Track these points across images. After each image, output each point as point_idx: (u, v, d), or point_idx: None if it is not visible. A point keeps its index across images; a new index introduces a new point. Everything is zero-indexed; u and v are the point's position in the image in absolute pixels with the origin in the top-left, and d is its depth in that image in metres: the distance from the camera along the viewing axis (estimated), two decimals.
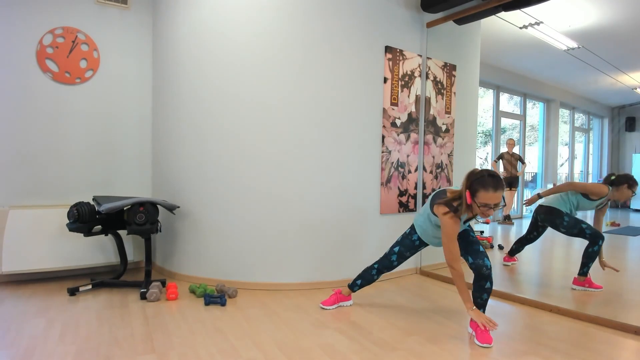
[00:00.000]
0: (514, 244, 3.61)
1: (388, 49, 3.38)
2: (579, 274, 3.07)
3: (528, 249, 3.73)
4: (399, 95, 3.48)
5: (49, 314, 2.48)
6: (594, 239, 2.98)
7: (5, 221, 3.06)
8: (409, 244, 2.54)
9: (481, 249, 2.29)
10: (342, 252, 3.22)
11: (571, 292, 3.04)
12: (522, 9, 3.18)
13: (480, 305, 2.28)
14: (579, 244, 4.19)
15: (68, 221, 3.00)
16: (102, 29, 3.50)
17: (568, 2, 3.45)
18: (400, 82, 3.48)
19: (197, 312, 2.58)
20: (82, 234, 3.22)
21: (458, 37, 3.92)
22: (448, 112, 3.83)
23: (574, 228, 3.05)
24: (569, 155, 4.36)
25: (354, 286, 2.72)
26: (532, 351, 2.08)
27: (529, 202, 3.30)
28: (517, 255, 3.76)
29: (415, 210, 3.65)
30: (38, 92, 3.27)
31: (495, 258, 4.13)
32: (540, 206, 3.27)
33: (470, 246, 2.31)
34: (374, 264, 2.65)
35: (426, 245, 2.55)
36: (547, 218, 3.19)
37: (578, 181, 3.70)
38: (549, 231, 3.30)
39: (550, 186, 3.59)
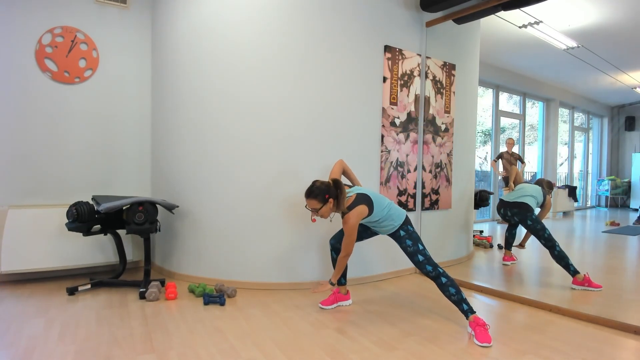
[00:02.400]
0: (505, 235, 3.75)
1: (387, 49, 3.38)
2: (572, 274, 3.10)
3: (528, 248, 3.73)
4: (398, 94, 3.47)
5: (49, 314, 2.47)
6: (550, 242, 3.18)
7: (4, 221, 3.06)
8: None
9: (420, 258, 2.39)
10: None
11: (571, 292, 3.04)
12: (522, 8, 3.18)
13: (457, 301, 2.30)
14: (578, 242, 4.20)
15: (67, 221, 2.99)
16: (101, 28, 3.50)
17: (567, 2, 3.44)
18: (399, 82, 3.47)
19: (197, 311, 2.58)
20: (81, 234, 3.22)
21: (457, 36, 3.92)
22: (447, 112, 3.83)
23: (538, 224, 3.28)
24: (568, 154, 4.36)
25: (337, 279, 2.74)
26: (532, 351, 2.08)
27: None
28: (515, 254, 3.78)
29: (415, 210, 3.65)
30: (37, 91, 3.26)
31: (495, 258, 4.14)
32: (507, 202, 3.53)
33: (411, 259, 2.44)
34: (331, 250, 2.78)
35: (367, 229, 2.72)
36: (519, 212, 3.42)
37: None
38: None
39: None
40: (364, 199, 2.40)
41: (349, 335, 2.24)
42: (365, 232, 2.69)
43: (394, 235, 2.49)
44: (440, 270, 2.35)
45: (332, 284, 2.53)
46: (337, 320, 2.47)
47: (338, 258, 2.50)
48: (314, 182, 2.44)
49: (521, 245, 3.70)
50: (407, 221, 2.49)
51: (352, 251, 2.45)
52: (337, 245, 2.70)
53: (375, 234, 2.69)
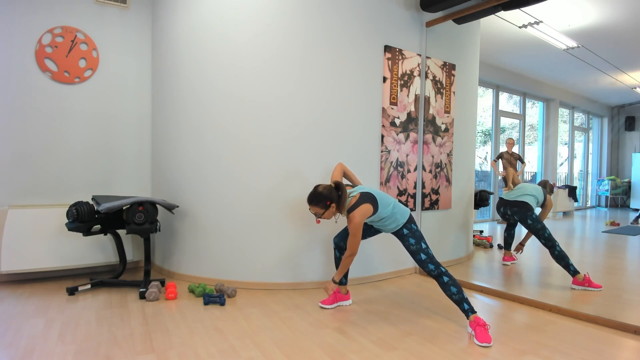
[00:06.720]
0: (504, 234, 3.76)
1: (387, 49, 3.38)
2: (572, 275, 3.10)
3: (528, 248, 3.73)
4: (398, 94, 3.47)
5: (48, 314, 2.47)
6: (550, 242, 3.17)
7: (4, 221, 3.06)
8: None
9: (422, 257, 2.40)
10: None
11: (571, 292, 3.04)
12: (522, 8, 3.18)
13: (458, 301, 2.31)
14: (578, 242, 4.19)
15: (67, 220, 2.99)
16: (101, 28, 3.50)
17: (567, 2, 3.44)
18: (399, 82, 3.47)
19: (196, 311, 2.58)
20: (81, 234, 3.23)
21: (457, 36, 3.92)
22: (447, 112, 3.83)
23: (539, 223, 3.28)
24: (568, 154, 4.36)
25: (339, 278, 2.74)
26: (532, 351, 2.08)
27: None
28: (515, 253, 3.78)
29: (415, 210, 3.65)
30: (37, 91, 3.27)
31: (495, 258, 4.13)
32: (507, 201, 3.52)
33: (414, 257, 2.45)
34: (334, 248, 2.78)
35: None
36: (519, 211, 3.42)
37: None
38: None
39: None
40: (368, 198, 2.40)
41: (349, 335, 2.24)
42: (368, 230, 2.69)
43: (398, 234, 2.50)
44: (442, 269, 2.36)
45: (335, 282, 2.56)
46: (337, 320, 2.47)
47: (343, 257, 2.50)
48: (316, 188, 2.44)
49: (520, 246, 3.69)
50: (410, 219, 2.49)
51: (357, 251, 2.45)
52: (340, 244, 2.70)
53: (378, 231, 2.69)
